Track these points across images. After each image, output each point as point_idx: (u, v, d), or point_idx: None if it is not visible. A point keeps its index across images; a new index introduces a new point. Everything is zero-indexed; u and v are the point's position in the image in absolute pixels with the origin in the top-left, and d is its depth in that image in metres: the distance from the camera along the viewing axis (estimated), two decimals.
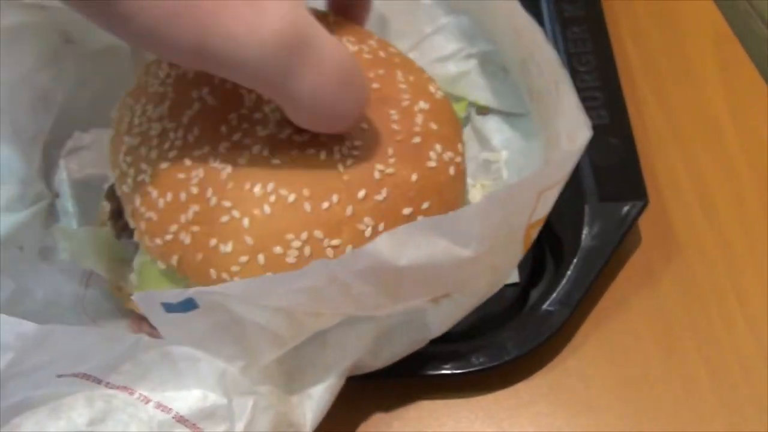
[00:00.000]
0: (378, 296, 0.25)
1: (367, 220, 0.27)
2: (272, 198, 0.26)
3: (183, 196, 0.27)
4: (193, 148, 0.28)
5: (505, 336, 0.32)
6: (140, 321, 0.32)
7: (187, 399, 0.25)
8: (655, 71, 0.43)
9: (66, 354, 0.24)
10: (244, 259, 0.26)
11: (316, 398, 0.27)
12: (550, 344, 0.32)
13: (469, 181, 0.36)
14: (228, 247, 0.26)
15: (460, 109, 0.37)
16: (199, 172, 0.27)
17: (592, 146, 0.35)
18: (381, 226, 0.27)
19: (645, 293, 0.35)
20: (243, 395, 0.25)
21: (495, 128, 0.38)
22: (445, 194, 0.29)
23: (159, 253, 0.28)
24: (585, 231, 0.34)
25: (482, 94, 0.38)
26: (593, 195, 0.34)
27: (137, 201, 0.28)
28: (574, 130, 0.27)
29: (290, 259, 0.26)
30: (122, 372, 0.24)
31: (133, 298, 0.23)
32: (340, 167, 0.27)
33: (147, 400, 0.24)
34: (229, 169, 0.27)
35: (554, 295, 0.32)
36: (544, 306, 0.32)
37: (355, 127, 0.28)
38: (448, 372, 0.31)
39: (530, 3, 0.32)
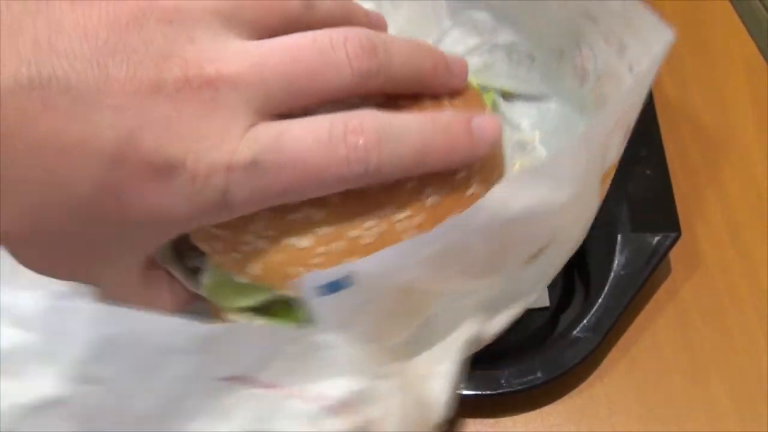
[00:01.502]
0: (491, 258, 0.26)
1: (427, 190, 0.27)
2: (355, 232, 0.27)
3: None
4: None
5: (535, 360, 0.32)
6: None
7: (337, 387, 0.25)
8: (688, 101, 0.43)
9: (224, 353, 0.24)
10: (322, 249, 0.27)
11: (444, 375, 0.28)
12: (577, 370, 0.33)
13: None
14: (305, 242, 0.27)
15: (487, 99, 0.38)
16: None
17: (626, 177, 0.36)
18: (440, 196, 0.28)
19: (673, 323, 0.36)
20: (385, 378, 0.26)
21: (523, 112, 0.38)
22: (488, 160, 0.30)
23: (239, 267, 0.28)
24: (617, 260, 0.34)
25: (507, 81, 0.39)
26: (626, 225, 0.35)
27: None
28: (648, 42, 0.28)
29: (366, 240, 0.27)
30: (273, 368, 0.25)
31: (296, 282, 0.24)
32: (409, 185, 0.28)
33: (300, 395, 0.25)
34: None
35: (584, 321, 0.33)
36: (574, 332, 0.33)
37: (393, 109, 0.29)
38: (477, 392, 0.32)
39: None
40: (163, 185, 0.23)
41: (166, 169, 0.23)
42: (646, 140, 0.38)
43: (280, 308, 0.30)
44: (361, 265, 0.24)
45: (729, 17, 0.47)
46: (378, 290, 0.25)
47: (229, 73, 0.23)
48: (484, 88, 0.39)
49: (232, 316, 0.30)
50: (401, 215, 0.27)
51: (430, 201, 0.28)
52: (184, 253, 0.32)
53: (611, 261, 0.34)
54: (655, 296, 0.36)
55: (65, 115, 0.21)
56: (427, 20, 0.40)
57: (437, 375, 0.28)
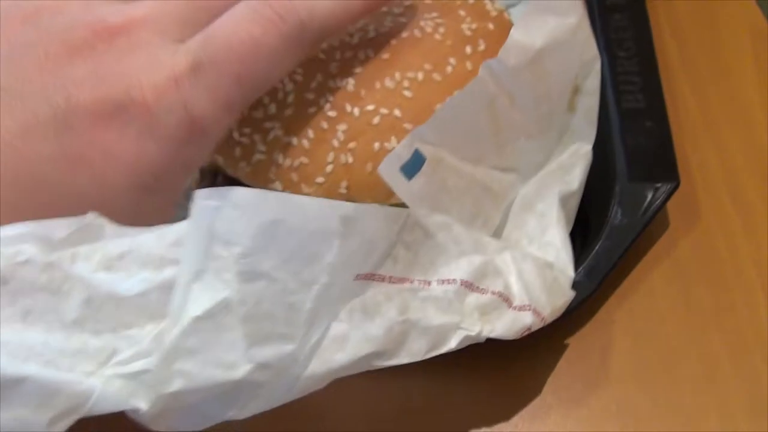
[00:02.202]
0: (539, 107, 0.29)
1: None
2: (405, 83, 0.28)
3: (324, 124, 0.28)
4: (305, 90, 0.29)
5: None
6: None
7: (460, 267, 0.26)
8: (692, 67, 0.43)
9: (360, 241, 0.23)
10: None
11: (559, 244, 0.30)
12: (573, 316, 0.33)
13: None
14: (393, 143, 0.28)
15: None
16: (326, 98, 0.28)
17: (626, 128, 0.36)
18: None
19: (670, 275, 0.36)
20: (499, 252, 0.27)
21: None
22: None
23: (324, 191, 0.28)
24: (614, 209, 0.34)
25: None
26: (624, 175, 0.35)
27: (280, 157, 0.28)
28: None
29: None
30: (399, 262, 0.25)
31: (380, 168, 0.24)
32: (437, 36, 0.30)
33: (428, 282, 0.25)
34: (350, 81, 0.28)
35: (580, 268, 0.33)
36: None
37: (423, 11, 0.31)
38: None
39: None
40: (121, 130, 0.22)
41: (115, 112, 0.22)
42: (647, 94, 0.37)
43: None
44: (420, 132, 0.25)
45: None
46: (447, 166, 0.26)
47: (133, 17, 0.24)
48: None
49: None
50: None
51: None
52: None
53: (609, 210, 0.34)
54: (653, 248, 0.36)
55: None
56: None
57: (548, 244, 0.29)
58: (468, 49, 0.30)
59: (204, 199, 0.20)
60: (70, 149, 0.22)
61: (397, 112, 0.28)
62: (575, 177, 0.32)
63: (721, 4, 0.46)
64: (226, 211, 0.20)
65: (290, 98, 0.29)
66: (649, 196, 0.34)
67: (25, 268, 0.19)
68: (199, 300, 0.20)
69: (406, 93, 0.28)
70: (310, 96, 0.29)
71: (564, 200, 0.31)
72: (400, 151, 0.25)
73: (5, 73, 0.22)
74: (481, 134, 0.28)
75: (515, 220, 0.30)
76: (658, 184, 0.34)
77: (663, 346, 0.34)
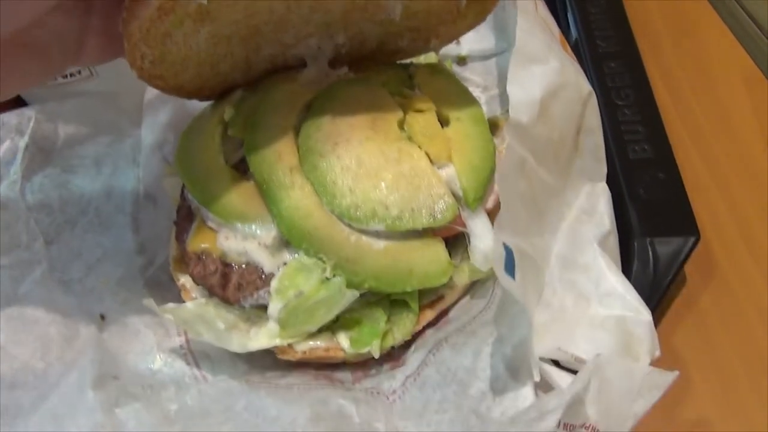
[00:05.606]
0: (557, 152, 0.30)
1: None
2: None
3: None
4: None
5: None
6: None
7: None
8: (686, 110, 0.42)
9: None
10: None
11: (620, 289, 0.29)
12: None
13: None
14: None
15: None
16: None
17: (638, 180, 0.34)
18: None
19: (693, 333, 0.33)
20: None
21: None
22: None
23: None
24: (634, 266, 0.32)
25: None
26: (640, 229, 0.33)
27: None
28: None
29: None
30: None
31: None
32: None
33: None
34: None
35: None
36: None
37: None
38: None
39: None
40: None
41: None
42: (653, 143, 0.36)
43: (351, 318, 0.30)
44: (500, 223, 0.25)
45: (720, 30, 0.46)
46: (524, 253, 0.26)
47: None
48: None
49: (304, 345, 0.30)
50: None
51: None
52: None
53: (627, 267, 0.32)
54: (674, 305, 0.34)
55: None
56: None
57: (609, 294, 0.28)
58: None
59: None
60: None
61: None
62: (603, 216, 0.30)
63: (710, 50, 0.46)
64: None
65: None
66: (670, 252, 0.32)
67: None
68: None
69: None
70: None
71: (602, 243, 0.29)
72: (498, 249, 0.24)
73: None
74: (526, 205, 0.27)
75: (562, 284, 0.28)
76: (678, 239, 0.32)
77: (692, 414, 0.31)
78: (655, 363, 0.31)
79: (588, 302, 0.28)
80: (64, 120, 0.35)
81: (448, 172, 0.31)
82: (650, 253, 0.32)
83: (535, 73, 0.28)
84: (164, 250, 0.36)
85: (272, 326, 0.30)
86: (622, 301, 0.27)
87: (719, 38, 0.46)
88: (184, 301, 0.32)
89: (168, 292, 0.34)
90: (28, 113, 0.34)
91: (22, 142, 0.34)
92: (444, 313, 0.32)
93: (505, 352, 0.28)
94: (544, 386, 0.27)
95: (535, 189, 0.27)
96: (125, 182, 0.37)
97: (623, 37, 0.41)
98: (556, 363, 0.27)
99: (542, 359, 0.26)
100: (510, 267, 0.24)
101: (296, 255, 0.30)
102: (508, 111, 0.39)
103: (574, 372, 0.26)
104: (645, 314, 0.27)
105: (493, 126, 0.37)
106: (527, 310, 0.25)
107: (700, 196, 0.38)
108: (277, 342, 0.30)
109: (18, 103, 0.37)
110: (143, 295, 0.34)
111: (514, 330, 0.28)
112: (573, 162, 0.31)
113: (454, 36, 0.35)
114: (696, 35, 0.46)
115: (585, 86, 0.30)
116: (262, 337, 0.30)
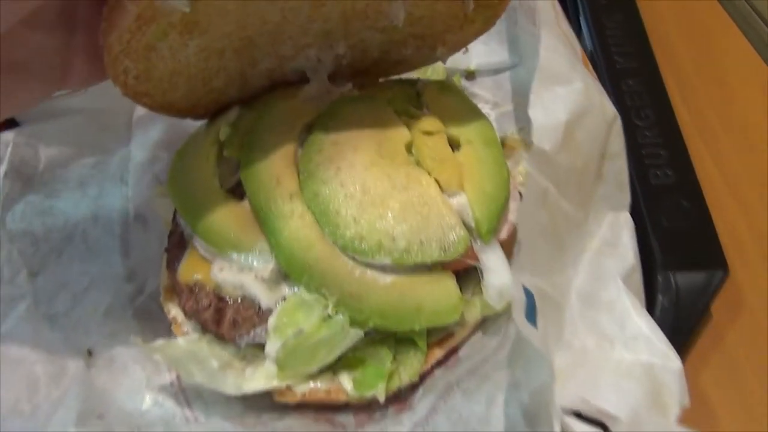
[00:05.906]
0: (581, 181, 0.29)
1: None
2: None
3: None
4: None
5: None
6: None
7: None
8: (706, 127, 0.40)
9: None
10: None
11: (647, 331, 0.27)
12: None
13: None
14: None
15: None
16: None
17: (660, 208, 0.32)
18: None
19: (720, 374, 0.31)
20: None
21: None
22: None
23: None
24: (658, 302, 0.30)
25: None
26: (664, 262, 0.31)
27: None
28: None
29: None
30: None
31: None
32: None
33: None
34: None
35: None
36: None
37: None
38: None
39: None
40: None
41: None
42: (675, 167, 0.34)
43: (354, 357, 0.28)
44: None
45: (737, 39, 0.44)
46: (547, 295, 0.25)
47: None
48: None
49: (303, 386, 0.28)
50: None
51: None
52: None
53: (651, 305, 0.30)
54: (700, 342, 0.32)
55: None
56: None
57: (635, 338, 0.26)
58: None
59: None
60: None
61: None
62: (627, 249, 0.28)
63: (727, 61, 0.43)
64: None
65: None
66: (696, 288, 0.30)
67: None
68: None
69: None
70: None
71: (626, 279, 0.27)
72: (519, 294, 0.23)
73: None
74: (547, 240, 0.26)
75: (584, 323, 0.26)
76: (705, 273, 0.30)
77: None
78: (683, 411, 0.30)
79: (612, 345, 0.26)
80: (45, 142, 0.33)
81: (460, 200, 0.29)
82: (675, 289, 0.30)
83: (558, 94, 0.26)
84: (155, 276, 0.34)
85: (270, 367, 0.28)
86: (649, 345, 0.25)
87: (737, 48, 0.44)
88: (175, 335, 0.30)
89: (159, 322, 0.32)
90: (5, 138, 0.33)
91: (1, 170, 0.32)
92: (454, 351, 0.30)
93: (522, 399, 0.26)
94: None
95: (557, 222, 0.25)
96: (113, 201, 0.35)
97: (642, 53, 0.39)
98: (576, 413, 0.25)
99: (563, 409, 0.24)
100: (531, 314, 0.22)
101: (296, 290, 0.28)
102: (520, 129, 0.37)
103: (597, 423, 0.24)
104: (675, 361, 0.25)
105: (505, 147, 0.35)
106: (547, 357, 0.23)
107: (724, 223, 0.36)
108: (275, 384, 0.28)
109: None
110: (132, 326, 0.32)
111: (530, 374, 0.26)
112: (596, 190, 0.29)
113: (462, 43, 0.33)
114: (713, 44, 0.44)
115: (609, 109, 0.28)
116: (259, 378, 0.28)
